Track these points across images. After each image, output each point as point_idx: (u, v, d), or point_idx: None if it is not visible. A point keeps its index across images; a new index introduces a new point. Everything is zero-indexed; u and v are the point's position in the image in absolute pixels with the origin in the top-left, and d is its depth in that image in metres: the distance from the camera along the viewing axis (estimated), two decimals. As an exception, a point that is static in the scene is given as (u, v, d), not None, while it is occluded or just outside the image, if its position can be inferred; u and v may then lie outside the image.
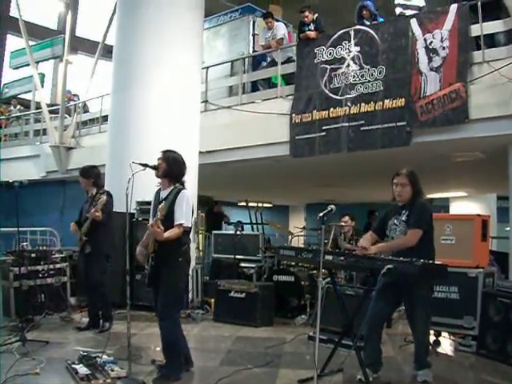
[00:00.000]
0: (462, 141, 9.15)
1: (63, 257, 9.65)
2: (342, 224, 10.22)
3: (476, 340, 7.18)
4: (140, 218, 9.73)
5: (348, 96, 10.18)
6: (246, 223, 12.99)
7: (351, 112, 10.09)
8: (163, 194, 5.99)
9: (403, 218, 5.82)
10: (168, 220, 5.67)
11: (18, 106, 20.99)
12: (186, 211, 5.81)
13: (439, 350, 7.41)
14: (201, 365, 6.36)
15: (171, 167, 5.95)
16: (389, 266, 5.07)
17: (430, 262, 5.28)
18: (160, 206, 5.64)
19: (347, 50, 10.29)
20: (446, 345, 7.71)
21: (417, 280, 5.35)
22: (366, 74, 9.96)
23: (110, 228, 8.13)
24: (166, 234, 5.62)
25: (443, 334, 7.83)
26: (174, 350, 5.87)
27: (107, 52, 14.17)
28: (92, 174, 8.44)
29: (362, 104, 9.96)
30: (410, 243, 5.71)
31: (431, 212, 6.04)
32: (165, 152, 6.06)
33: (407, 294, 5.77)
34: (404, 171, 5.92)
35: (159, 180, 6.06)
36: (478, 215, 7.93)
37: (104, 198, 7.86)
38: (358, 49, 10.14)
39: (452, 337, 7.78)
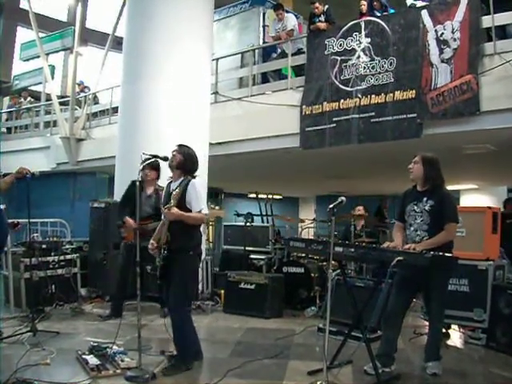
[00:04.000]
0: (472, 133, 9.12)
1: (73, 248, 9.72)
2: (357, 213, 10.20)
3: (486, 333, 7.17)
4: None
5: (358, 87, 10.16)
6: (256, 215, 12.99)
7: (362, 103, 10.08)
8: (173, 186, 6.02)
9: (426, 208, 5.76)
10: (180, 210, 5.71)
11: (29, 98, 21.03)
12: (200, 199, 5.88)
13: (449, 342, 7.39)
14: (210, 356, 6.37)
15: (186, 160, 6.00)
16: (399, 258, 5.06)
17: (441, 253, 5.26)
18: (174, 193, 5.68)
19: (358, 42, 10.26)
20: (456, 337, 7.70)
21: (431, 271, 5.34)
22: (377, 65, 9.93)
23: None
24: (187, 214, 5.72)
25: (453, 326, 7.82)
26: (185, 341, 5.93)
27: (117, 44, 14.20)
28: (159, 167, 8.08)
29: (373, 96, 9.94)
30: (451, 237, 5.77)
31: None
32: (180, 146, 6.11)
33: (423, 284, 5.78)
34: (421, 152, 5.96)
35: (170, 174, 6.10)
36: (489, 207, 7.90)
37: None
38: (368, 40, 10.11)
39: (462, 329, 7.77)
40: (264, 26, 13.81)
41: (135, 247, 7.83)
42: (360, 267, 9.81)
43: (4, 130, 21.60)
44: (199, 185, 5.98)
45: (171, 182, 6.14)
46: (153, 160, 8.14)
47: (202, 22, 10.61)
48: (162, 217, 6.09)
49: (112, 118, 15.28)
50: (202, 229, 6.45)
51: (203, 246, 9.63)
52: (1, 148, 18.42)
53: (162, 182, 7.90)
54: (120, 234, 8.60)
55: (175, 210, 5.64)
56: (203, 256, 9.49)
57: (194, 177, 6.04)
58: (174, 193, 5.69)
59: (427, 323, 6.33)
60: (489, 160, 11.90)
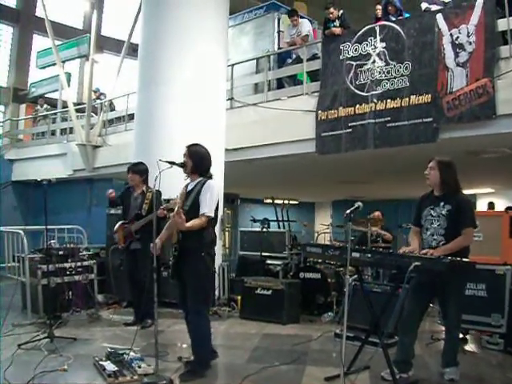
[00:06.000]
0: (489, 137, 9.04)
1: (90, 254, 9.76)
2: (373, 219, 10.17)
3: (503, 338, 7.12)
4: (167, 216, 9.77)
5: (374, 92, 10.13)
6: (272, 220, 12.99)
7: (377, 108, 10.03)
8: (190, 187, 6.04)
9: (443, 212, 5.75)
10: (192, 211, 5.73)
11: (45, 106, 21.15)
12: (210, 201, 5.83)
13: (466, 347, 7.35)
14: (228, 362, 6.38)
15: (197, 163, 6.00)
16: (416, 263, 5.04)
17: (458, 259, 5.24)
18: (179, 194, 5.65)
19: (373, 46, 10.22)
20: (474, 343, 7.65)
21: (448, 276, 5.31)
22: (392, 70, 9.89)
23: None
24: (188, 224, 5.64)
25: (470, 331, 7.77)
26: (203, 344, 5.95)
27: (132, 50, 14.26)
28: (144, 171, 8.51)
29: (388, 100, 9.89)
30: (469, 242, 5.74)
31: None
32: (189, 147, 6.09)
33: (440, 289, 5.76)
34: (437, 157, 5.93)
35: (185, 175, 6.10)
36: (506, 212, 7.86)
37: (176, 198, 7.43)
38: (383, 45, 10.07)
39: (479, 335, 7.72)
40: (279, 32, 13.80)
41: (125, 250, 8.48)
42: (377, 272, 9.78)
43: (21, 136, 21.77)
44: (214, 187, 5.97)
45: (189, 183, 6.14)
46: (136, 165, 8.56)
47: (217, 27, 10.65)
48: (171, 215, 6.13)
49: (128, 125, 15.31)
50: (217, 229, 6.45)
51: (220, 252, 9.69)
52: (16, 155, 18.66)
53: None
54: (115, 239, 8.74)
55: (180, 220, 5.57)
56: (219, 262, 9.54)
57: (211, 176, 6.07)
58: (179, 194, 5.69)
59: (444, 328, 6.30)
60: (505, 164, 11.83)
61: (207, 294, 6.37)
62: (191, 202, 5.80)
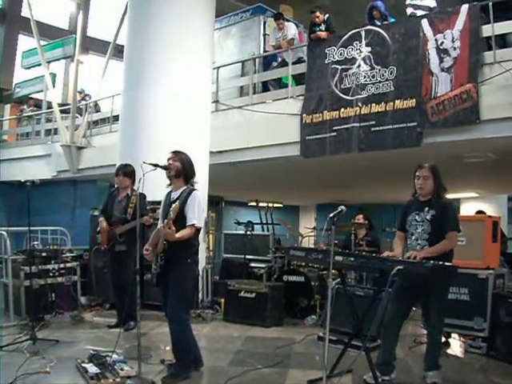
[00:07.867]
0: (473, 142, 9.10)
1: (74, 256, 9.70)
2: (356, 222, 10.12)
3: (486, 342, 7.16)
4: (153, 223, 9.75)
5: (359, 96, 10.16)
6: (256, 223, 12.97)
7: (362, 112, 10.07)
8: (174, 195, 6.00)
9: (428, 217, 5.80)
10: (179, 221, 5.68)
11: (31, 107, 21.05)
12: (198, 212, 5.84)
13: (449, 351, 7.38)
14: (210, 365, 6.36)
15: (185, 167, 5.98)
16: (399, 267, 5.06)
17: (441, 263, 5.27)
18: (173, 206, 5.61)
19: (358, 51, 10.26)
20: (456, 346, 7.67)
21: (431, 280, 5.34)
22: (377, 74, 9.94)
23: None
24: (178, 235, 5.64)
25: (453, 335, 7.81)
26: (184, 350, 5.92)
27: (118, 52, 14.23)
28: (133, 173, 8.37)
29: (373, 104, 9.93)
30: (452, 246, 5.79)
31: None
32: (177, 152, 6.08)
33: (423, 293, 5.78)
34: (427, 164, 5.93)
35: (168, 182, 6.07)
36: (489, 216, 7.90)
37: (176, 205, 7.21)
38: (368, 49, 10.11)
39: (462, 338, 7.75)
40: (265, 35, 13.85)
41: (109, 252, 8.43)
42: (360, 276, 9.80)
43: (5, 137, 21.65)
44: (200, 197, 5.98)
45: (171, 191, 6.12)
46: (126, 167, 8.44)
47: (203, 30, 10.64)
48: (159, 224, 6.11)
49: (113, 126, 15.28)
50: (201, 238, 6.44)
51: (203, 255, 9.68)
52: (0, 156, 18.57)
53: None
54: (97, 240, 8.69)
55: (171, 232, 5.58)
56: (203, 264, 9.53)
57: (193, 185, 6.06)
58: (173, 205, 5.64)
59: (426, 332, 6.32)
60: (489, 168, 11.90)
61: (189, 300, 6.40)
62: (175, 215, 5.73)
